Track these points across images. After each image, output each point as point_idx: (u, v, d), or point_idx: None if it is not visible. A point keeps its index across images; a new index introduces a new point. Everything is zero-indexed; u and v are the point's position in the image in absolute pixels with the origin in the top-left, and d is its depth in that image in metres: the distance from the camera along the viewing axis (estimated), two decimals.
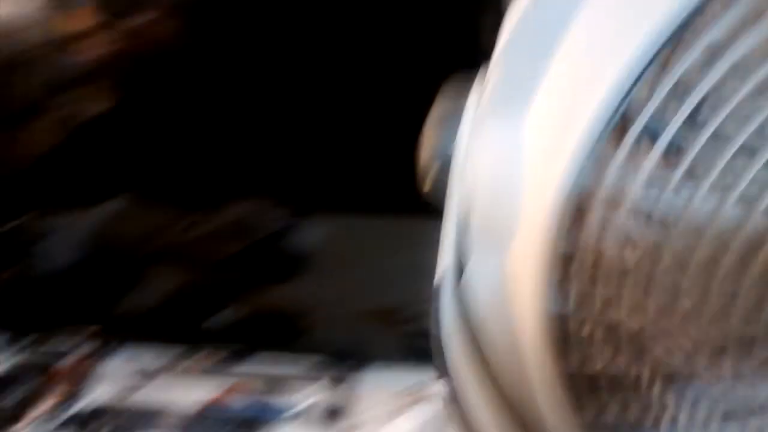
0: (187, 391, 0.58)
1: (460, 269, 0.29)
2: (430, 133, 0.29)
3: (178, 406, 0.57)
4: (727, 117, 0.21)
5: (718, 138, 0.21)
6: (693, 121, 0.21)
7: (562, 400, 0.27)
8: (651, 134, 0.22)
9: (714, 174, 0.21)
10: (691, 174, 0.21)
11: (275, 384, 0.58)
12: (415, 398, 0.56)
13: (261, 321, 0.59)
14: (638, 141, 0.22)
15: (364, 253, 0.58)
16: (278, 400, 0.57)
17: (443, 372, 0.33)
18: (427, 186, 0.29)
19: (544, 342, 0.25)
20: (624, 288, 0.24)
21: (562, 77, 0.24)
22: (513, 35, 0.25)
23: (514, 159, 0.26)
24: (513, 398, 0.31)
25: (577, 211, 0.23)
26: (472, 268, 0.28)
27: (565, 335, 0.25)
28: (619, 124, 0.22)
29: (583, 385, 0.26)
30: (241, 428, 0.55)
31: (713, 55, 0.21)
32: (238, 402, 0.57)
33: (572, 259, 0.24)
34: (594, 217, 0.22)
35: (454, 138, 0.27)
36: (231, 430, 0.55)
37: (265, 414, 0.56)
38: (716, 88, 0.21)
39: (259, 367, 0.59)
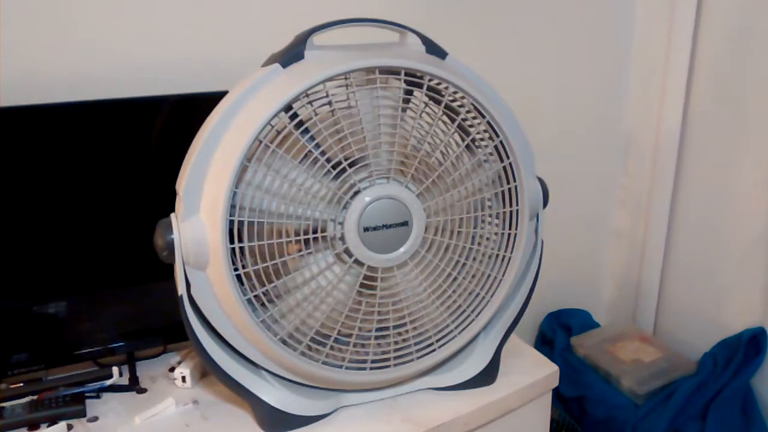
0: None
1: (188, 284, 0.67)
2: (158, 234, 0.67)
3: None
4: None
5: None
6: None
7: (247, 319, 0.67)
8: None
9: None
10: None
11: None
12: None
13: None
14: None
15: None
16: None
17: (192, 339, 0.70)
18: (163, 257, 0.67)
19: (229, 290, 0.65)
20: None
21: (209, 191, 0.65)
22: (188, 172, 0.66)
23: (200, 228, 0.66)
24: (229, 338, 0.70)
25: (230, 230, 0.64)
26: (194, 280, 0.66)
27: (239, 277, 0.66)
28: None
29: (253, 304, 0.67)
30: None
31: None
32: None
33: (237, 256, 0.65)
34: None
35: (170, 234, 0.66)
36: None
37: None
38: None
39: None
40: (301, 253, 0.70)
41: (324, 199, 0.68)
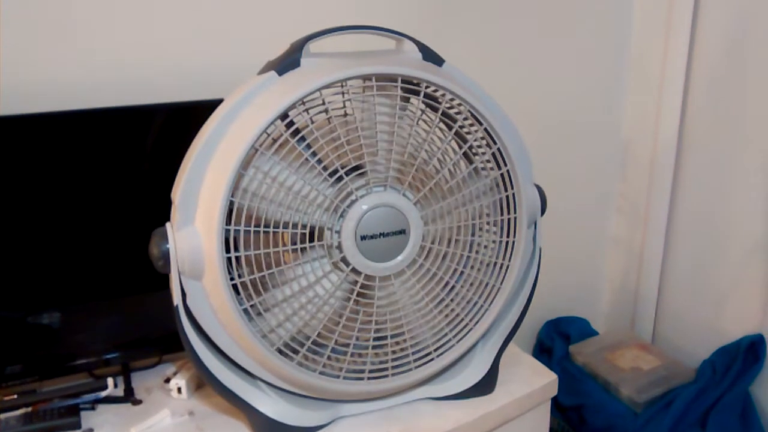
0: None
1: (184, 294, 0.67)
2: (153, 243, 0.66)
3: None
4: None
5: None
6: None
7: (243, 329, 0.66)
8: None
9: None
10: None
11: None
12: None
13: None
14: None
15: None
16: None
17: (188, 350, 0.69)
18: (158, 267, 0.66)
19: (226, 300, 0.65)
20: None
21: (207, 195, 0.65)
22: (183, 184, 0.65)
23: (196, 237, 0.65)
24: (225, 348, 0.69)
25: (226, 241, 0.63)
26: (190, 290, 0.66)
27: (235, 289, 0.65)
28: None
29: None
30: None
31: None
32: None
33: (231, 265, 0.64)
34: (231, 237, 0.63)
35: (166, 243, 0.65)
36: None
37: None
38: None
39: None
40: (298, 262, 0.69)
41: (321, 206, 0.68)
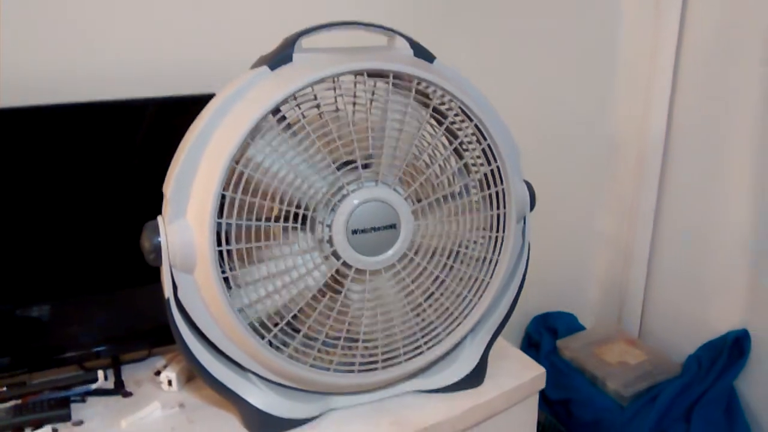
0: None
1: (175, 287, 0.67)
2: (144, 236, 0.67)
3: None
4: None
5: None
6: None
7: (234, 322, 0.67)
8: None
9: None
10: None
11: None
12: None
13: None
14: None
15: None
16: None
17: (179, 342, 0.70)
18: (150, 260, 0.67)
19: (217, 293, 0.65)
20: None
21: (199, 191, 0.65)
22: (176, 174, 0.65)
23: (187, 230, 0.65)
24: (216, 341, 0.70)
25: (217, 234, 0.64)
26: (181, 283, 0.66)
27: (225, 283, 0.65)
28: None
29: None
30: None
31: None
32: None
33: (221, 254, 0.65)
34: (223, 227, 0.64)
35: (157, 236, 0.66)
36: None
37: None
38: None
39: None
40: (286, 242, 0.69)
41: (314, 198, 0.68)
